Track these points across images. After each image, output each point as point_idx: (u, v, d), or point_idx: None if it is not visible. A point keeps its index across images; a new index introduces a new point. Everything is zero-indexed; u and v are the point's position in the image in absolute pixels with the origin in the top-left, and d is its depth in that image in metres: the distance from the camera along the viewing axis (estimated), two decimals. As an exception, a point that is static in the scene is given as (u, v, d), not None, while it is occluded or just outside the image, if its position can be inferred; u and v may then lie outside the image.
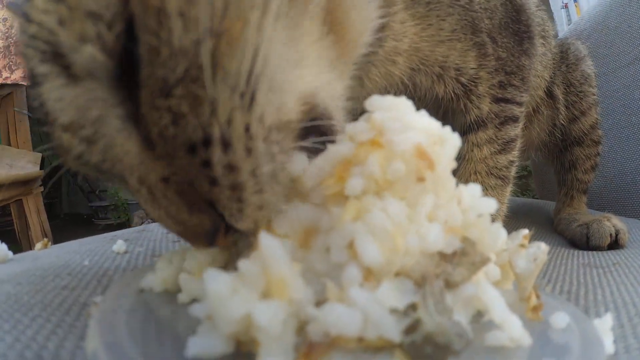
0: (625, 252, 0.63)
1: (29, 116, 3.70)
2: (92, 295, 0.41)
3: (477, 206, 0.24)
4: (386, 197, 0.20)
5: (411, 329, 0.16)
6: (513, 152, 0.61)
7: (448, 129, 0.24)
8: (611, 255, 0.60)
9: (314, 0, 0.29)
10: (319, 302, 0.18)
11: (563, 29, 2.83)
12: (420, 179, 0.21)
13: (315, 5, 0.30)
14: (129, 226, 6.67)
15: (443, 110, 0.60)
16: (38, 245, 0.65)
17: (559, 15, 3.13)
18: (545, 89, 0.78)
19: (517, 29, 0.61)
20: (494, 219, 0.59)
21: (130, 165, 0.27)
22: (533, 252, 0.27)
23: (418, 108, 0.59)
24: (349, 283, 0.17)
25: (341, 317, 0.16)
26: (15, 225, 3.57)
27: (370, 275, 0.18)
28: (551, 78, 0.78)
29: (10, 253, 0.57)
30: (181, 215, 0.26)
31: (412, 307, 0.17)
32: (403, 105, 0.24)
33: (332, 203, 0.20)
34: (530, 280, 0.27)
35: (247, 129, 0.24)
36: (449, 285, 0.20)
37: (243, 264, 0.17)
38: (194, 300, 0.24)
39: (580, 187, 0.85)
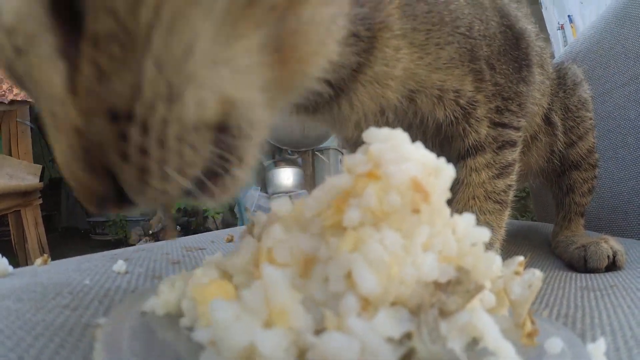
0: (622, 273, 0.63)
1: (31, 128, 3.73)
2: (94, 316, 0.41)
3: (471, 235, 0.25)
4: (383, 229, 0.21)
5: (406, 357, 0.17)
6: (511, 177, 0.62)
7: (443, 160, 0.25)
8: (609, 277, 0.61)
9: (261, 6, 0.28)
10: (318, 330, 0.19)
11: (559, 49, 2.88)
12: (416, 211, 0.21)
13: (262, 14, 0.28)
14: (127, 242, 6.65)
15: (443, 136, 0.60)
16: (38, 261, 0.65)
17: (555, 36, 3.19)
18: (544, 116, 0.79)
19: (516, 56, 0.62)
20: (492, 242, 0.60)
21: (48, 96, 0.27)
22: (528, 279, 0.28)
23: (423, 137, 0.60)
24: (347, 312, 0.18)
25: (340, 345, 0.17)
26: (12, 237, 3.57)
27: (368, 305, 0.19)
28: (549, 105, 0.80)
29: (10, 267, 0.57)
30: (79, 172, 0.26)
31: (407, 335, 0.18)
32: (399, 136, 0.25)
33: (331, 234, 0.21)
34: (525, 306, 0.27)
35: (166, 122, 0.25)
36: (444, 313, 0.21)
37: (246, 293, 0.18)
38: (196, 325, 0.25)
39: (577, 210, 0.86)
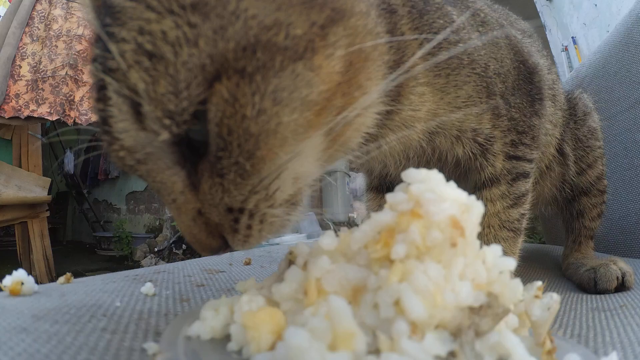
0: (631, 293, 0.65)
1: (42, 141, 3.80)
2: (134, 339, 0.41)
3: (498, 264, 0.29)
4: (426, 261, 0.24)
5: None
6: (524, 206, 0.65)
7: (473, 197, 0.29)
8: (618, 297, 0.63)
9: (324, 126, 0.39)
10: (370, 352, 0.22)
11: (564, 71, 2.92)
12: (454, 245, 0.25)
13: (325, 125, 0.39)
14: (132, 259, 6.64)
15: (461, 170, 0.64)
16: (61, 279, 0.66)
17: (560, 58, 3.25)
18: (557, 147, 0.82)
19: (529, 90, 0.65)
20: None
21: (170, 188, 0.38)
22: (547, 302, 0.31)
23: (440, 170, 0.65)
24: (400, 335, 0.21)
25: None
26: (17, 247, 3.61)
27: (416, 328, 0.22)
28: (562, 136, 0.82)
29: (36, 286, 0.57)
30: (202, 236, 0.38)
31: (452, 354, 0.21)
32: (435, 177, 0.28)
33: (378, 265, 0.25)
34: (545, 327, 0.31)
35: (265, 213, 0.38)
36: (478, 334, 0.24)
37: (312, 320, 0.22)
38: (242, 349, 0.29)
39: (587, 233, 0.88)
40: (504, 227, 0.63)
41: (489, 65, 0.60)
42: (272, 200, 0.38)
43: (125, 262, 6.62)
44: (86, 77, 4.54)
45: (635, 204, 1.08)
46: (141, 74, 0.34)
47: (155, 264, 6.50)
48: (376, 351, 0.21)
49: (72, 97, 4.42)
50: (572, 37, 3.20)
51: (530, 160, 0.66)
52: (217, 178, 0.37)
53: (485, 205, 0.62)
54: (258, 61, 0.34)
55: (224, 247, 0.40)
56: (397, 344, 0.21)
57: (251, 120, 0.34)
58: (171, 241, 6.94)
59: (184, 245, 6.75)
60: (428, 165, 0.62)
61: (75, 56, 4.39)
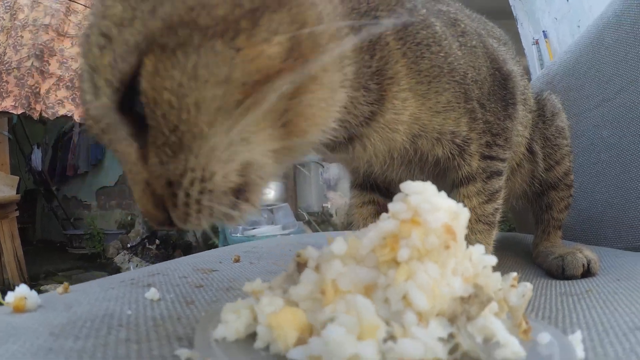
0: (596, 279, 0.73)
1: (9, 138, 3.70)
2: (160, 347, 0.42)
3: (482, 261, 0.35)
4: (425, 262, 0.30)
5: (453, 350, 0.26)
6: (498, 201, 0.71)
7: (461, 205, 0.35)
8: (584, 283, 0.71)
9: (273, 108, 0.41)
10: (386, 339, 0.28)
11: (534, 64, 3.06)
12: (447, 247, 0.31)
13: (273, 111, 0.42)
14: (104, 256, 6.51)
15: (440, 168, 0.69)
16: (59, 289, 0.64)
17: (530, 51, 3.39)
18: (527, 146, 0.89)
19: (503, 95, 0.72)
20: None
21: (126, 159, 0.43)
22: (522, 290, 0.38)
23: (421, 169, 0.69)
24: (410, 324, 0.27)
25: (410, 347, 0.26)
26: (-13, 250, 3.52)
27: (422, 317, 0.28)
28: (531, 136, 0.89)
29: (39, 299, 0.56)
30: (149, 206, 0.42)
31: (452, 335, 0.27)
32: (430, 188, 0.34)
33: (386, 266, 0.31)
34: (521, 311, 0.37)
35: (201, 192, 0.41)
36: (469, 319, 0.30)
37: (342, 317, 0.27)
38: (268, 346, 0.33)
39: (555, 224, 0.96)
40: (479, 220, 0.69)
41: (467, 73, 0.65)
42: (210, 184, 0.41)
43: (97, 259, 6.51)
44: (53, 69, 4.41)
45: (600, 195, 1.17)
46: (96, 51, 0.40)
47: (129, 261, 6.40)
48: (391, 338, 0.27)
49: (37, 90, 4.29)
50: (543, 31, 3.34)
51: (503, 160, 0.72)
52: (155, 149, 0.41)
53: (462, 201, 0.68)
54: (179, 38, 0.38)
55: (168, 222, 0.43)
56: (408, 331, 0.27)
57: (171, 92, 0.38)
58: (144, 236, 6.86)
59: (157, 240, 6.70)
60: (410, 164, 0.69)
61: (41, 47, 4.26)
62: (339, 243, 0.34)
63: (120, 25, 0.39)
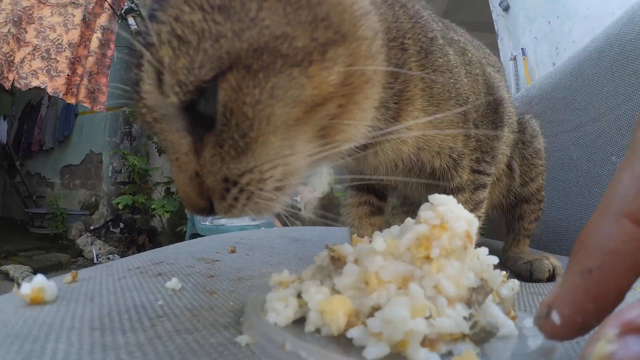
0: None
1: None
2: (214, 336, 0.44)
3: (486, 259, 0.45)
4: (451, 259, 0.40)
5: (473, 326, 0.36)
6: (482, 210, 0.82)
7: (473, 215, 0.45)
8: (551, 285, 0.82)
9: (316, 125, 0.50)
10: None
11: (509, 79, 3.23)
12: (465, 248, 0.41)
13: (315, 126, 0.49)
14: (66, 237, 6.33)
15: (436, 177, 0.79)
16: (67, 278, 0.63)
17: (507, 66, 3.58)
18: (507, 163, 1.00)
19: (494, 119, 0.83)
20: None
21: (177, 148, 0.48)
22: (510, 285, 0.48)
23: (416, 176, 0.78)
24: (442, 306, 0.37)
25: (446, 324, 0.35)
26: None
27: (450, 302, 0.37)
28: (511, 154, 1.01)
29: (56, 290, 0.54)
30: (193, 194, 0.48)
31: (471, 315, 0.37)
32: (452, 200, 0.43)
33: (420, 262, 0.40)
34: (510, 302, 0.47)
35: (253, 192, 0.47)
36: (478, 304, 0.40)
37: (397, 300, 0.36)
38: (317, 330, 0.39)
39: (525, 233, 1.09)
40: None
41: (469, 98, 0.74)
42: (262, 184, 0.47)
43: (59, 240, 6.34)
44: (30, 37, 4.28)
45: (566, 210, 1.31)
46: (168, 51, 0.44)
47: (92, 244, 6.28)
48: (430, 317, 0.36)
49: (12, 58, 4.15)
50: (522, 49, 3.53)
51: (488, 175, 0.83)
52: (219, 149, 0.46)
53: None
54: (263, 62, 0.44)
55: (208, 210, 0.48)
56: (442, 312, 0.37)
57: (249, 106, 0.44)
58: (108, 219, 6.73)
59: (121, 224, 6.58)
60: (410, 173, 0.79)
61: (20, 13, 4.11)
62: (379, 242, 0.42)
63: (200, 35, 0.44)
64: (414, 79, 0.67)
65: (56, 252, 5.51)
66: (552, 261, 0.90)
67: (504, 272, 0.48)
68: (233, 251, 0.96)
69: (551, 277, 0.87)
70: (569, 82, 1.45)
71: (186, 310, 0.51)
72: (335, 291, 0.42)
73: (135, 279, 0.66)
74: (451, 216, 0.41)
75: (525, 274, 0.89)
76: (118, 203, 5.66)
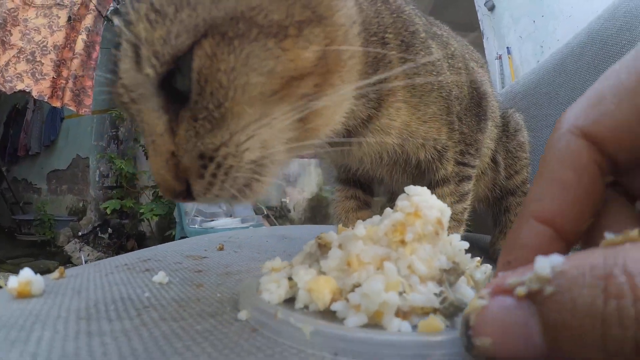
0: None
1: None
2: (200, 323, 0.44)
3: (458, 245, 0.49)
4: (423, 243, 0.44)
5: (443, 301, 0.41)
6: (467, 202, 0.86)
7: (446, 205, 0.49)
8: None
9: (294, 103, 0.50)
10: (400, 292, 0.41)
11: (495, 77, 3.31)
12: (437, 234, 0.45)
13: (296, 107, 0.50)
14: (55, 244, 6.29)
15: (421, 169, 0.82)
16: (54, 274, 0.63)
17: (493, 65, 3.67)
18: (491, 156, 1.04)
19: (478, 112, 0.86)
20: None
21: (153, 130, 0.48)
22: (484, 269, 0.52)
23: (404, 169, 0.82)
24: (415, 283, 0.41)
25: (417, 298, 0.40)
26: None
27: (422, 280, 0.42)
28: (495, 148, 1.04)
29: (43, 284, 0.54)
30: (169, 177, 0.47)
31: (442, 292, 0.41)
32: (426, 192, 0.48)
33: (396, 245, 0.44)
34: (483, 284, 0.51)
35: (231, 166, 0.47)
36: (450, 284, 0.44)
37: (374, 278, 0.40)
38: (306, 306, 0.44)
39: (511, 226, 1.11)
40: (451, 217, 0.80)
41: (452, 91, 0.77)
42: (239, 157, 0.47)
43: (47, 247, 6.30)
44: (15, 40, 4.27)
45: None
46: (146, 25, 0.45)
47: (80, 250, 6.26)
48: (403, 293, 0.41)
49: (-3, 61, 4.15)
50: (507, 48, 3.62)
51: (473, 167, 0.86)
52: (193, 123, 0.46)
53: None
54: (239, 30, 0.45)
55: (185, 194, 0.48)
56: (414, 288, 0.41)
57: (224, 73, 0.44)
58: (96, 225, 6.71)
59: (109, 229, 6.57)
60: (396, 165, 0.82)
61: (5, 15, 4.11)
62: (360, 228, 0.47)
63: (177, 5, 0.45)
64: (394, 71, 0.69)
65: (44, 259, 5.48)
66: None
67: (478, 258, 0.53)
68: (221, 249, 0.96)
69: None
70: (552, 77, 1.50)
71: (173, 301, 0.52)
72: (321, 273, 0.47)
73: (122, 274, 0.66)
74: (424, 205, 0.46)
75: None
76: (106, 208, 5.65)
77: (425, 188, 0.49)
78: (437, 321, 0.38)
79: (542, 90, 1.52)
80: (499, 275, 0.33)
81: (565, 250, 0.37)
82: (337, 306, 0.42)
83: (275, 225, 5.17)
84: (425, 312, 0.41)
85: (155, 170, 0.48)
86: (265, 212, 5.35)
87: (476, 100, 0.86)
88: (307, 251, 0.53)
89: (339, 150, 0.74)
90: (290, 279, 0.48)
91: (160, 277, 0.61)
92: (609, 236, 0.30)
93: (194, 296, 0.54)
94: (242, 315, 0.45)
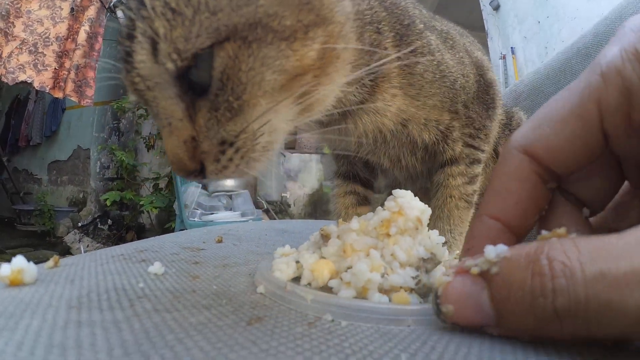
0: None
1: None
2: (194, 315, 0.43)
3: (436, 239, 0.59)
4: (405, 235, 0.55)
5: (418, 283, 0.52)
6: (477, 185, 0.87)
7: (426, 206, 0.60)
8: None
9: (296, 92, 0.56)
10: (382, 274, 0.53)
11: (499, 77, 3.38)
12: (416, 229, 0.56)
13: (295, 92, 0.56)
14: (54, 234, 6.39)
15: (429, 152, 0.84)
16: (49, 263, 0.63)
17: (497, 65, 3.73)
18: (493, 147, 1.05)
19: (485, 100, 0.87)
20: (461, 232, 0.86)
21: (170, 114, 0.52)
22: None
23: (412, 151, 0.89)
24: (395, 268, 0.52)
25: (396, 279, 0.50)
26: None
27: (402, 265, 0.53)
28: (497, 140, 1.06)
29: (36, 272, 0.54)
30: (185, 158, 0.52)
31: (418, 276, 0.53)
32: (409, 195, 0.59)
33: (382, 237, 0.55)
34: None
35: (247, 150, 0.54)
36: (427, 271, 0.55)
37: (361, 262, 0.52)
38: (309, 283, 0.54)
39: None
40: (462, 198, 0.85)
41: (456, 81, 0.78)
42: (255, 143, 0.53)
43: (47, 237, 6.39)
44: (17, 31, 4.37)
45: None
46: (164, 22, 0.49)
47: (79, 241, 6.37)
48: (385, 274, 0.52)
49: (0, 52, 4.24)
50: (512, 48, 3.69)
51: (482, 151, 0.87)
52: (214, 113, 0.51)
53: (447, 179, 0.86)
54: (257, 35, 0.50)
55: (198, 173, 0.53)
56: (395, 271, 0.52)
57: (244, 72, 0.50)
58: (96, 216, 6.81)
59: (109, 220, 6.67)
60: (402, 147, 0.84)
61: (8, 6, 4.18)
62: (354, 223, 0.58)
63: (196, 8, 0.49)
64: (391, 59, 0.72)
65: (44, 249, 5.58)
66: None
67: (457, 251, 0.64)
68: (220, 241, 0.96)
69: None
70: (557, 77, 1.52)
71: (167, 292, 0.51)
72: (322, 257, 0.58)
73: (118, 264, 0.65)
74: (406, 205, 0.57)
75: None
76: (106, 199, 5.76)
77: (409, 192, 0.59)
78: (405, 295, 0.50)
79: (547, 90, 1.54)
80: (462, 260, 0.44)
81: (514, 241, 0.48)
82: (332, 283, 0.53)
83: (275, 219, 5.23)
84: (406, 290, 0.52)
85: (171, 150, 0.53)
86: (266, 207, 5.43)
87: (483, 89, 0.87)
88: (312, 240, 0.64)
89: (336, 131, 0.76)
90: (297, 262, 0.57)
91: (156, 267, 0.60)
92: (543, 233, 0.41)
93: (189, 288, 0.54)
94: (260, 289, 0.53)
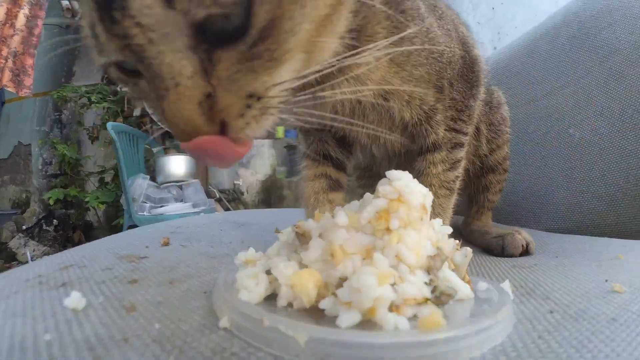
0: (537, 256, 0.86)
1: None
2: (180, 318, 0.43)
3: (441, 229, 0.49)
4: (408, 229, 0.44)
5: (434, 290, 0.41)
6: (459, 170, 0.83)
7: (427, 189, 0.49)
8: (528, 259, 0.84)
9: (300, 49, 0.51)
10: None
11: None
12: (422, 219, 0.45)
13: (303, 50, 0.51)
14: (-5, 241, 5.96)
15: (408, 133, 0.80)
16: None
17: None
18: (475, 125, 1.00)
19: (470, 78, 0.83)
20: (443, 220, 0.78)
21: (178, 71, 0.44)
22: (464, 252, 0.51)
23: (389, 129, 0.81)
24: (404, 273, 0.41)
25: (409, 289, 0.39)
26: None
27: (411, 269, 0.42)
28: (479, 117, 1.01)
29: None
30: (201, 121, 0.45)
31: (431, 281, 0.42)
32: (407, 176, 0.48)
33: (381, 233, 0.44)
34: (464, 267, 0.51)
35: (271, 105, 0.48)
36: (435, 270, 0.45)
37: (363, 269, 0.40)
38: (290, 304, 0.42)
39: (489, 205, 1.13)
40: (442, 186, 0.81)
41: (444, 53, 0.75)
42: (280, 96, 0.49)
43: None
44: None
45: (522, 183, 1.41)
46: None
47: (25, 245, 5.99)
48: (393, 284, 0.41)
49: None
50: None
51: (465, 134, 0.84)
52: (246, 63, 0.45)
53: (429, 167, 0.81)
54: None
55: (216, 132, 0.46)
56: (404, 278, 0.41)
57: (287, 20, 0.46)
58: (40, 217, 6.42)
59: (54, 220, 6.31)
60: (380, 124, 0.78)
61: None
62: (341, 216, 0.46)
63: None
64: (377, 16, 0.68)
65: (-13, 257, 5.22)
66: (525, 236, 0.90)
67: (457, 241, 0.53)
68: (166, 243, 0.85)
69: (524, 253, 0.87)
70: (524, 57, 1.53)
71: (84, 348, 0.37)
72: (302, 265, 0.45)
73: (29, 294, 0.53)
74: (407, 190, 0.46)
75: (497, 249, 0.90)
76: (49, 198, 5.42)
77: (406, 172, 0.49)
78: (437, 316, 0.37)
79: (514, 70, 1.56)
80: None
81: None
82: (326, 304, 0.40)
83: (229, 210, 5.11)
84: (417, 303, 0.41)
85: (181, 116, 0.45)
86: (218, 196, 5.28)
87: (468, 65, 0.84)
88: (284, 240, 0.51)
89: (312, 98, 0.69)
90: (268, 272, 0.45)
91: (75, 300, 0.48)
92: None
93: (119, 333, 0.41)
94: (224, 322, 0.41)
